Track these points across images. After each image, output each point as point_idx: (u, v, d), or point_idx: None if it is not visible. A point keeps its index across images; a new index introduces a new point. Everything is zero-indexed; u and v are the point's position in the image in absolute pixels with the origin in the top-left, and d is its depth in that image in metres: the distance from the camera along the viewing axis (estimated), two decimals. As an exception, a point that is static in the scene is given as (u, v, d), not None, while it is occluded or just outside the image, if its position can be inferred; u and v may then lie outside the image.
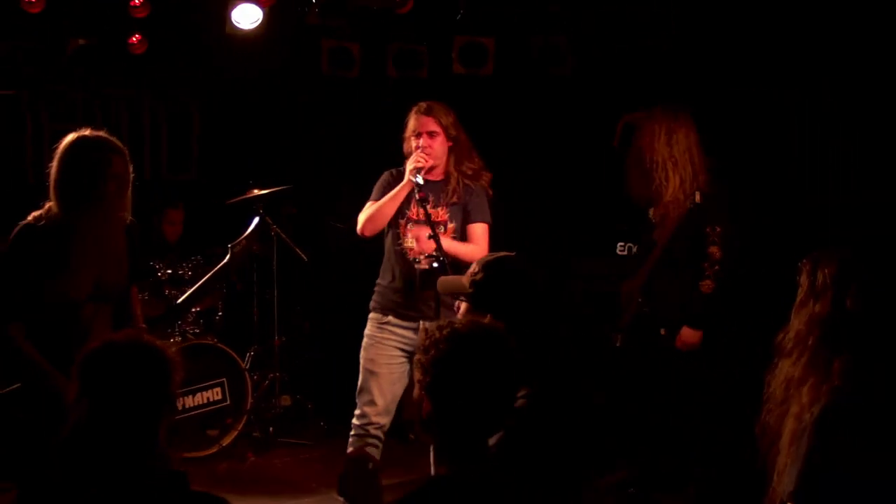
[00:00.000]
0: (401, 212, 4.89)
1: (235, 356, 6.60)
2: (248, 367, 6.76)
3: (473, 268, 3.22)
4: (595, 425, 3.17)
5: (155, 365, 2.56)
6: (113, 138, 4.11)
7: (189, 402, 6.33)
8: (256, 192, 6.53)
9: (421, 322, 4.79)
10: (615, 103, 7.00)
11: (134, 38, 6.97)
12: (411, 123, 4.93)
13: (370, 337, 4.94)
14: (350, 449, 4.88)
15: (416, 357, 2.56)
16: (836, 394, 2.81)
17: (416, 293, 4.84)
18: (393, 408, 4.92)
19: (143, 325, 4.61)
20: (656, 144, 5.02)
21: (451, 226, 4.90)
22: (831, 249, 3.06)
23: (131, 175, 4.15)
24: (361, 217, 4.89)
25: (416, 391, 2.55)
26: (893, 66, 5.74)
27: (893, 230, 5.58)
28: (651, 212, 5.19)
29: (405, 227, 4.88)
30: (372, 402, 4.82)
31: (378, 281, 5.03)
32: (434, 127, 4.87)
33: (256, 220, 5.56)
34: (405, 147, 4.96)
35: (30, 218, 4.01)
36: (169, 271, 6.67)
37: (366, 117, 7.30)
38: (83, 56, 7.21)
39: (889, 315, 2.95)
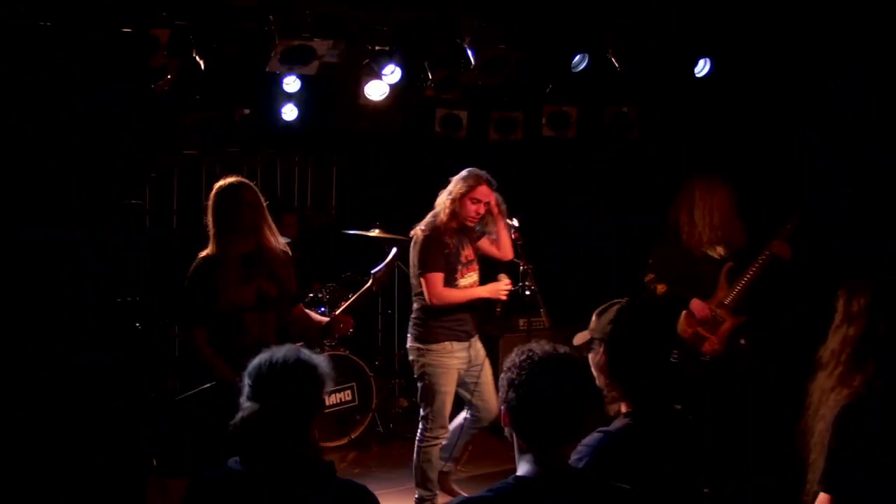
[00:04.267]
0: (457, 258, 5.43)
1: (363, 365, 7.11)
2: (373, 374, 7.21)
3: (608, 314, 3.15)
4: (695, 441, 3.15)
5: (311, 376, 2.75)
6: (244, 179, 4.69)
7: (326, 401, 7.05)
8: (376, 232, 6.99)
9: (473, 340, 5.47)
10: (672, 164, 7.33)
11: (286, 108, 7.46)
12: (475, 189, 5.32)
13: (440, 365, 5.42)
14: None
15: (501, 374, 2.59)
16: (853, 397, 3.04)
17: (468, 319, 5.48)
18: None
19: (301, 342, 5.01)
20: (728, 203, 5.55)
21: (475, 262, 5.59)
22: (863, 280, 3.23)
23: (264, 202, 4.70)
24: (441, 296, 5.31)
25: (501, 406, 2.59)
26: (893, 67, 5.64)
27: (893, 230, 5.53)
28: (719, 250, 5.62)
29: (459, 270, 5.43)
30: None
31: (437, 317, 5.42)
32: (489, 198, 5.39)
33: (395, 250, 5.46)
34: (452, 203, 5.33)
35: (200, 255, 4.68)
36: (328, 296, 7.24)
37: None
38: (247, 123, 7.77)
39: None
